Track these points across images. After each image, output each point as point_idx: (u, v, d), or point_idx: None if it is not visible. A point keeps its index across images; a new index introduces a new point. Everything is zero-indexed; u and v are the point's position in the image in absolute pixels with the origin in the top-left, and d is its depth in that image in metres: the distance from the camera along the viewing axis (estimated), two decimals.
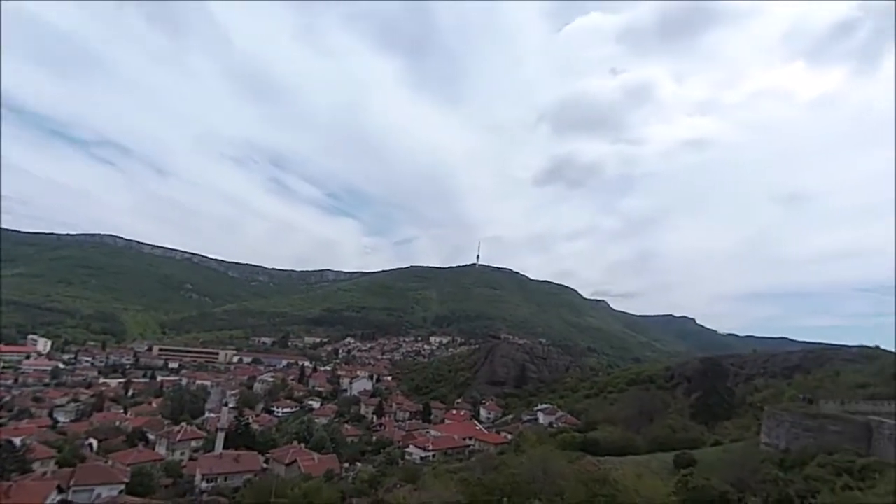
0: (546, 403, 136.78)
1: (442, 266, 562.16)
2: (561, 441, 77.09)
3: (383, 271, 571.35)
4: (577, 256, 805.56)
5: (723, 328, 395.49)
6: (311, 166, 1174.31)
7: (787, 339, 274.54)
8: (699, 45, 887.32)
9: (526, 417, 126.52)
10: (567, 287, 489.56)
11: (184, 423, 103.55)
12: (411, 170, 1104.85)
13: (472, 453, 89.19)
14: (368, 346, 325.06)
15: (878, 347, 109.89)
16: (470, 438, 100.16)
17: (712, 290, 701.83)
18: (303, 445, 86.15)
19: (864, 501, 32.68)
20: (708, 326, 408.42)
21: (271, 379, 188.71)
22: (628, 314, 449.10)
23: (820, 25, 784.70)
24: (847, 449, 51.75)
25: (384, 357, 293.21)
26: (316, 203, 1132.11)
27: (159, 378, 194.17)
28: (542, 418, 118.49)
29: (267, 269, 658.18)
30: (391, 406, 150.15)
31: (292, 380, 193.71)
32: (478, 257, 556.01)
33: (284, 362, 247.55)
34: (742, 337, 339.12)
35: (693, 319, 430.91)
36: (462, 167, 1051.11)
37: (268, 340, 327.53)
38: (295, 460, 74.98)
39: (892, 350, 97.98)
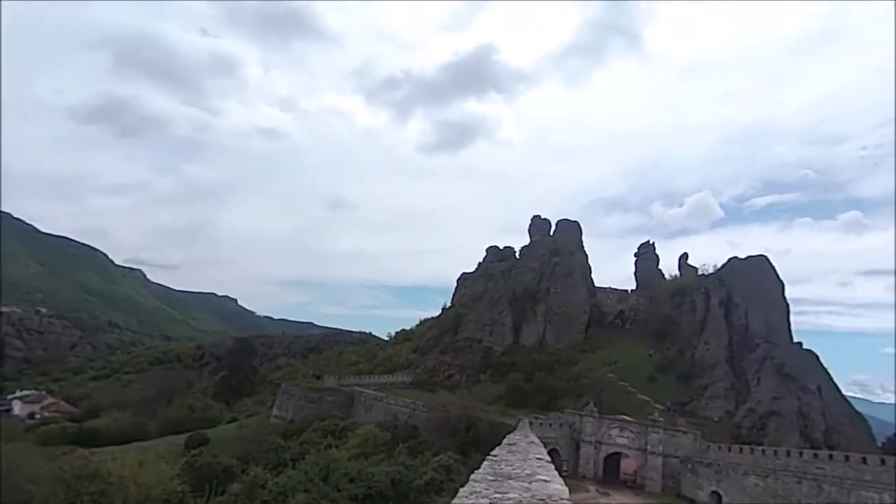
0: (30, 389, 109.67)
1: None
2: (43, 435, 63.33)
3: None
4: (115, 215, 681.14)
5: (262, 310, 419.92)
6: None
7: (312, 323, 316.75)
8: (289, 47, 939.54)
9: None
10: (94, 248, 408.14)
11: None
12: None
13: None
14: None
15: (370, 334, 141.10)
16: None
17: (257, 273, 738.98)
18: None
19: (338, 455, 40.58)
20: (248, 308, 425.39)
21: None
22: (167, 287, 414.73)
23: (378, 75, 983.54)
24: (335, 415, 63.16)
25: None
26: None
27: None
28: (19, 408, 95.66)
29: None
30: None
31: None
32: None
33: None
34: (276, 320, 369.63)
35: (235, 300, 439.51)
36: None
37: None
38: None
39: (380, 336, 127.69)
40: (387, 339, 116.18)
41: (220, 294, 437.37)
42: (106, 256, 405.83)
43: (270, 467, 43.67)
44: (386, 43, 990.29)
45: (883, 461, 29.05)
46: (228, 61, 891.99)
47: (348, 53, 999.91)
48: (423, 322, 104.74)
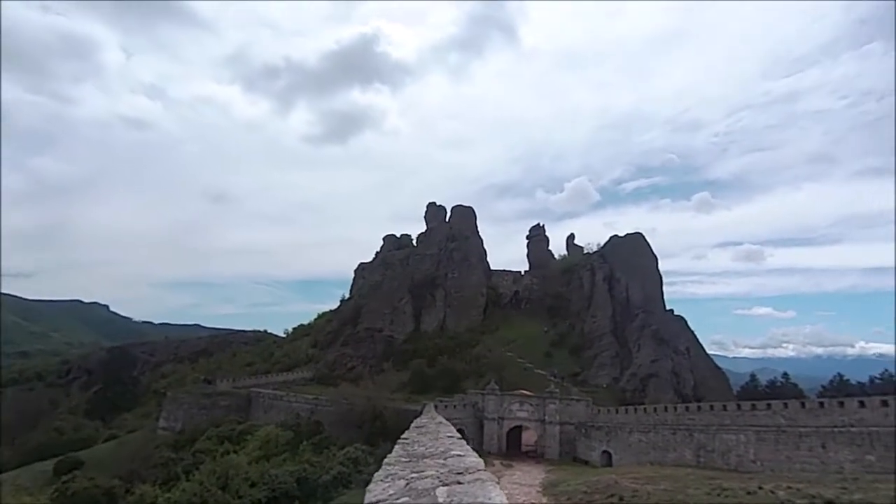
0: None
1: None
2: None
3: None
4: None
5: (139, 315, 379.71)
6: None
7: (199, 325, 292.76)
8: (153, 30, 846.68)
9: None
10: None
11: None
12: None
13: None
14: None
15: (266, 331, 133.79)
16: None
17: (130, 276, 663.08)
18: None
19: (237, 461, 38.25)
20: (123, 314, 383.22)
21: None
22: (20, 298, 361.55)
23: (256, 62, 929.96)
24: (232, 419, 59.40)
25: None
26: None
27: None
28: None
29: None
30: None
31: None
32: None
33: None
34: (158, 324, 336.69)
35: (107, 306, 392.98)
36: None
37: None
38: None
39: (277, 333, 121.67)
40: (284, 335, 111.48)
41: (87, 301, 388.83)
42: None
43: (160, 483, 40.11)
44: (263, 29, 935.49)
45: (739, 406, 33.61)
46: (80, 43, 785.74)
47: (222, 40, 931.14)
48: (322, 315, 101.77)
